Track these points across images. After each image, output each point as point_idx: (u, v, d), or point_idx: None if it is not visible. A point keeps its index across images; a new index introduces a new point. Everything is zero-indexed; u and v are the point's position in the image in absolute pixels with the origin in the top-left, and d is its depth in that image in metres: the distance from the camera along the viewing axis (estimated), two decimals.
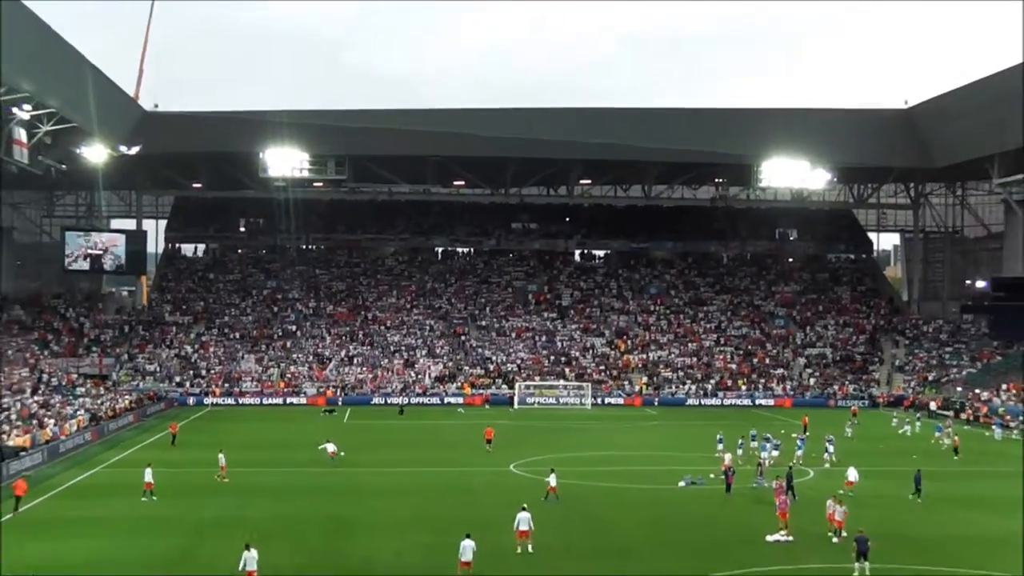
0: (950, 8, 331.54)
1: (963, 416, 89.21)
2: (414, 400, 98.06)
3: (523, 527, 38.29)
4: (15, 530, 40.72)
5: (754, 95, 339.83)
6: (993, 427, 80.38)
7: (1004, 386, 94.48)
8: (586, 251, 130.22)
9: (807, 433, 71.30)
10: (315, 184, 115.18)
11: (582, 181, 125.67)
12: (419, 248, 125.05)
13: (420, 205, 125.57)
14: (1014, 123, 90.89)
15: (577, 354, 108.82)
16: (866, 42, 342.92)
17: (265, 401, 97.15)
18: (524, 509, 38.90)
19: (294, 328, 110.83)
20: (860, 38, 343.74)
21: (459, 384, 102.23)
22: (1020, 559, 37.96)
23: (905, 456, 65.87)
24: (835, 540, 39.89)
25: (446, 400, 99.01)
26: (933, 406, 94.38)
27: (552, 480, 49.77)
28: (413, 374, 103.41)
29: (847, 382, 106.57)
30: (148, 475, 49.29)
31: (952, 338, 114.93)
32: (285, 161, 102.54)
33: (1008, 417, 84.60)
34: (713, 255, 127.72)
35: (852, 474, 52.90)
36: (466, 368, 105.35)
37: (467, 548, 33.71)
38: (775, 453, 62.83)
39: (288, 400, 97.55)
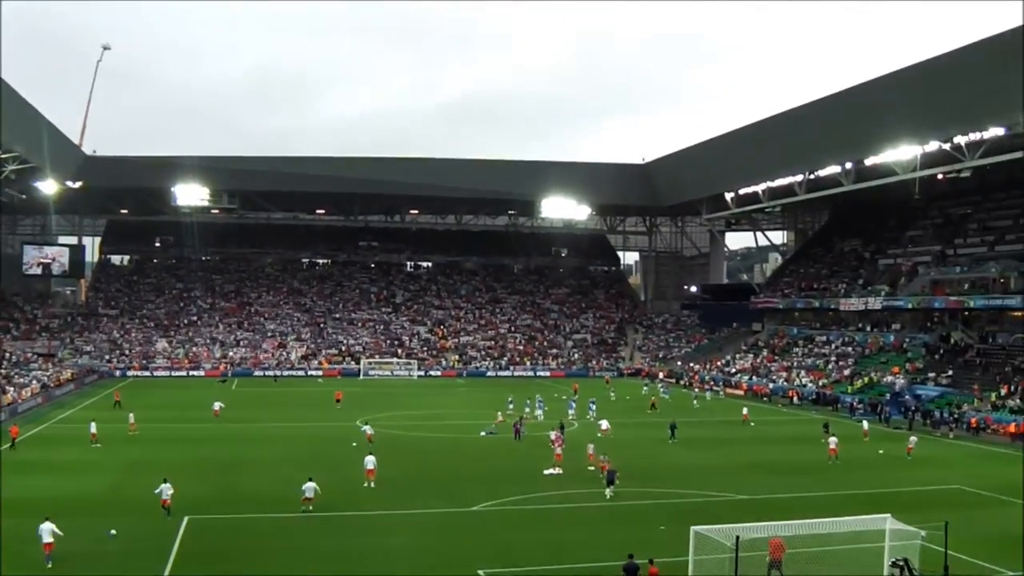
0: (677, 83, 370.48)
1: (682, 382, 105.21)
2: (285, 373, 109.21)
3: (370, 467, 42.51)
4: None
5: (539, 150, 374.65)
6: (706, 391, 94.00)
7: (709, 362, 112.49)
8: (414, 263, 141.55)
9: (577, 396, 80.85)
10: (213, 211, 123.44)
11: (412, 211, 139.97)
12: (290, 260, 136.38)
13: (291, 227, 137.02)
14: (716, 177, 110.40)
15: (407, 339, 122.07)
16: (613, 115, 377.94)
17: (174, 374, 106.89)
18: (371, 453, 44.31)
19: (196, 319, 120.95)
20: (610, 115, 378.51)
21: (319, 360, 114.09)
22: (731, 483, 44.16)
23: (642, 411, 77.11)
24: (592, 469, 45.86)
25: (309, 372, 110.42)
26: (662, 375, 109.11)
27: (368, 429, 56.44)
28: (284, 353, 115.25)
29: (602, 358, 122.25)
30: (93, 428, 55.06)
31: (675, 327, 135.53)
32: (191, 193, 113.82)
33: (711, 383, 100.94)
34: (507, 267, 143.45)
35: (604, 424, 61.35)
36: (324, 349, 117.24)
37: (309, 488, 36.19)
38: (546, 408, 71.82)
39: (191, 373, 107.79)
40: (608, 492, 40.81)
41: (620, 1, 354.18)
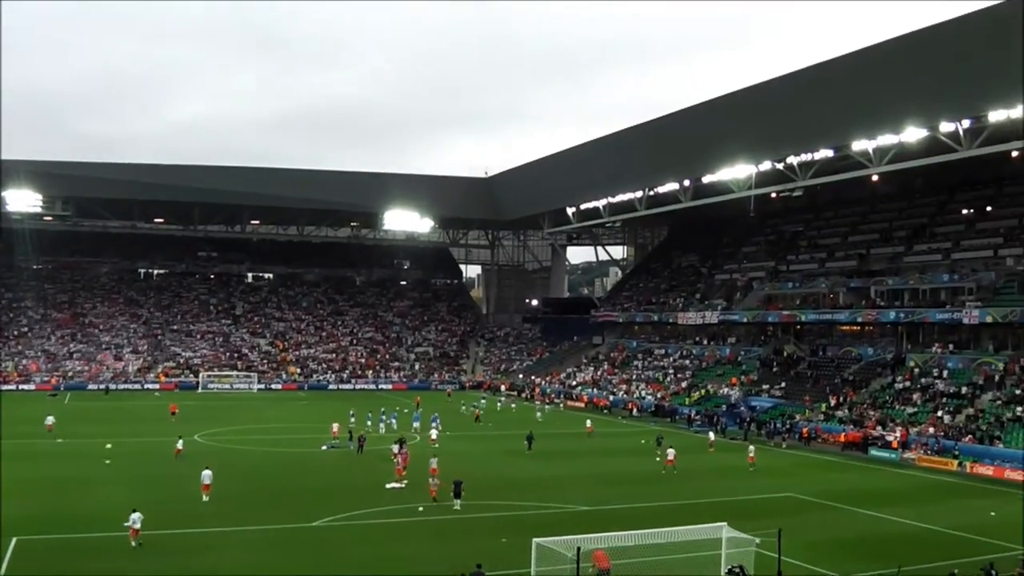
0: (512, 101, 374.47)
1: (523, 395, 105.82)
2: (121, 386, 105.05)
3: (206, 481, 41.73)
4: None
5: (385, 163, 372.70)
6: (545, 405, 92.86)
7: (550, 375, 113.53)
8: (255, 274, 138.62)
9: (420, 409, 78.81)
10: (45, 218, 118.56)
11: (252, 221, 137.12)
12: (126, 269, 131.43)
13: (128, 236, 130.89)
14: (558, 192, 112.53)
15: (247, 351, 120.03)
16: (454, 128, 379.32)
17: (3, 387, 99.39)
18: (207, 468, 42.71)
19: (26, 330, 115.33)
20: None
21: (156, 374, 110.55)
22: (574, 495, 44.48)
23: (484, 424, 77.64)
24: (435, 482, 43.59)
25: (145, 386, 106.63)
26: (503, 388, 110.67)
27: (179, 444, 54.90)
28: (121, 366, 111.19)
29: (444, 371, 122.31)
30: None
31: (517, 340, 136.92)
32: (21, 199, 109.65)
33: (552, 395, 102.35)
34: (349, 279, 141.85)
35: (433, 434, 63.30)
36: (161, 361, 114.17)
37: (135, 519, 33.32)
38: (396, 420, 72.07)
39: (20, 387, 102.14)
40: (458, 504, 40.73)
41: (469, 16, 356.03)
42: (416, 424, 72.13)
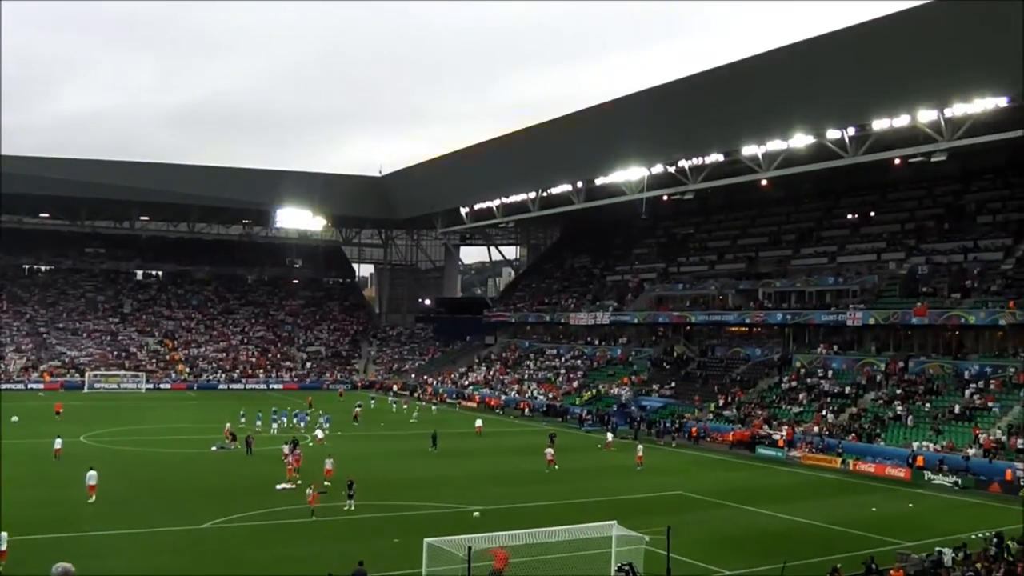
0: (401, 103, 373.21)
1: (416, 395, 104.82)
2: (3, 386, 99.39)
3: (91, 482, 40.98)
4: None
5: (280, 159, 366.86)
6: (433, 405, 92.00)
7: (443, 375, 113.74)
8: (144, 271, 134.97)
9: (311, 409, 79.85)
10: None
11: (142, 217, 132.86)
12: (10, 265, 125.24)
13: (11, 231, 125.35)
14: (452, 192, 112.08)
15: (135, 350, 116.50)
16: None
17: None
18: (92, 468, 41.80)
19: None
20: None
21: (40, 373, 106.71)
22: (466, 495, 44.33)
23: (376, 424, 76.95)
24: (328, 484, 43.98)
25: (29, 386, 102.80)
26: (395, 388, 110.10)
27: (58, 444, 53.41)
28: (2, 365, 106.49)
29: (336, 371, 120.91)
30: None
31: (409, 340, 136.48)
32: None
33: (444, 395, 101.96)
34: (240, 277, 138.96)
35: (319, 433, 63.69)
36: (47, 360, 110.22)
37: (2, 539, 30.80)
38: (287, 422, 71.31)
39: None
40: (349, 504, 40.47)
41: (366, 14, 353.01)
42: (302, 424, 71.38)
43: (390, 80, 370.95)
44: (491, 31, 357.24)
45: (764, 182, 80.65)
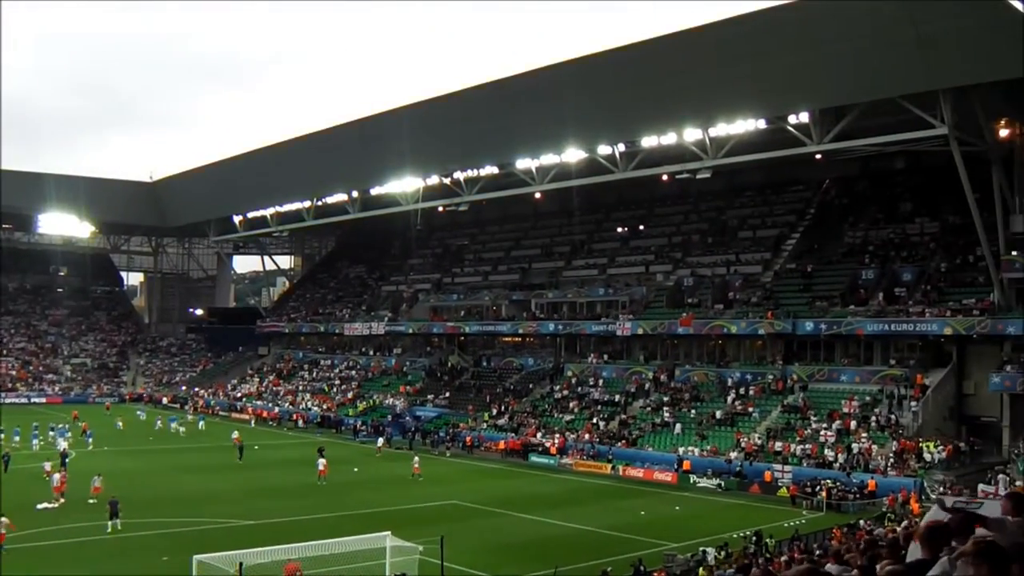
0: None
1: (187, 408, 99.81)
2: None
3: None
4: None
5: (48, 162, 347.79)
6: (198, 417, 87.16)
7: (215, 386, 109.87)
8: None
9: (77, 423, 75.33)
10: None
11: None
12: None
13: None
14: (225, 199, 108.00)
15: None
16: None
17: None
18: None
19: None
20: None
21: None
22: (238, 509, 43.36)
23: (143, 438, 74.19)
24: (92, 501, 43.13)
25: None
26: (165, 401, 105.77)
27: None
28: None
29: (104, 384, 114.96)
30: None
31: (180, 351, 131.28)
32: None
33: (216, 407, 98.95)
34: (2, 286, 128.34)
35: (61, 443, 61.21)
36: None
37: None
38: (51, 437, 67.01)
39: None
40: (115, 524, 38.44)
41: (135, 17, 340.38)
42: (62, 440, 65.00)
43: (162, 84, 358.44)
44: (261, 35, 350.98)
45: (538, 195, 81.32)
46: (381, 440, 69.45)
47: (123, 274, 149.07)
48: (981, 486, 44.40)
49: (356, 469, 59.81)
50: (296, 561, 27.41)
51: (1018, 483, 40.96)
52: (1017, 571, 5.18)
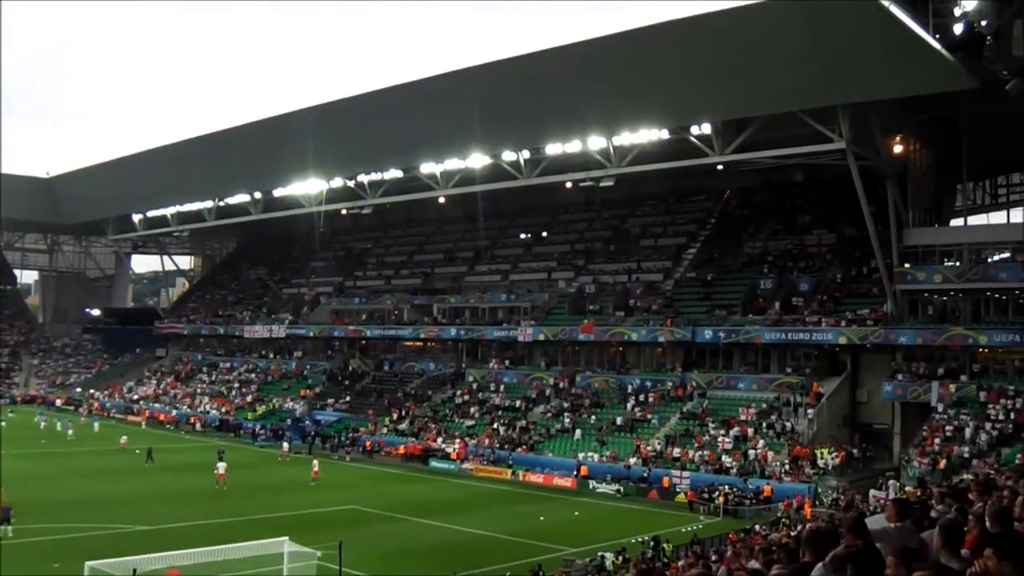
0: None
1: (81, 410, 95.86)
2: None
3: None
4: None
5: None
6: (94, 419, 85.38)
7: (111, 388, 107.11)
8: None
9: None
10: None
11: None
12: None
13: None
14: (124, 197, 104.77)
15: None
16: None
17: None
18: None
19: None
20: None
21: None
22: (133, 514, 42.23)
23: (35, 441, 71.09)
24: None
25: None
26: (59, 403, 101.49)
27: None
28: None
29: None
30: None
31: (75, 352, 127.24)
32: None
33: (111, 410, 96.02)
34: None
35: None
36: None
37: None
38: None
39: None
40: (5, 530, 37.31)
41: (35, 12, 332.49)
42: None
43: (62, 77, 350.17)
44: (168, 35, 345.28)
45: (442, 200, 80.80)
46: (286, 445, 68.54)
47: (16, 272, 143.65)
48: (872, 491, 45.42)
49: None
50: (176, 569, 26.90)
51: (907, 488, 41.73)
52: (905, 572, 5.58)
